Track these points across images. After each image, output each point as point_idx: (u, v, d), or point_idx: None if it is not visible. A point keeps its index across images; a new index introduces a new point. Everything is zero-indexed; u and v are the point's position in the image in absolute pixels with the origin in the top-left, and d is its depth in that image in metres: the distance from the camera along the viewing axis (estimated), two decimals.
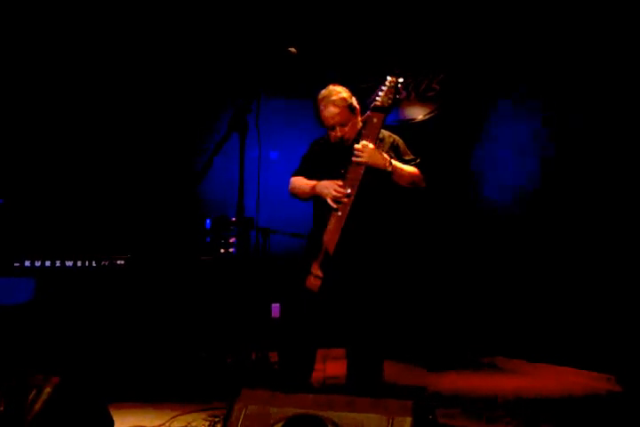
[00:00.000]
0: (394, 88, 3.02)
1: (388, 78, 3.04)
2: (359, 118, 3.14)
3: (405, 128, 5.17)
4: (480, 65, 5.02)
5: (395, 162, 2.99)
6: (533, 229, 4.65)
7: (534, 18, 4.64)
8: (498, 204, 4.93)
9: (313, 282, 2.96)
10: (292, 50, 2.90)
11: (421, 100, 5.21)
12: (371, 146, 2.93)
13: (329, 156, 3.17)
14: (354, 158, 2.93)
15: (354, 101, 3.11)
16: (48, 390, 2.30)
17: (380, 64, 5.06)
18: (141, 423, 3.14)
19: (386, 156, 2.98)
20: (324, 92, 3.11)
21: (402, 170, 3.02)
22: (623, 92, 4.10)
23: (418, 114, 5.22)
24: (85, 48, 4.52)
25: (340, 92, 3.08)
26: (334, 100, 3.05)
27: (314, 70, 4.58)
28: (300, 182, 3.20)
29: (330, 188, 2.96)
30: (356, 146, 2.93)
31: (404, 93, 5.10)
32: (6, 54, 4.31)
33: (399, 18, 5.15)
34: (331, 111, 3.05)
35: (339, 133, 3.08)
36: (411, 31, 5.15)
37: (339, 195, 2.92)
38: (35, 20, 4.39)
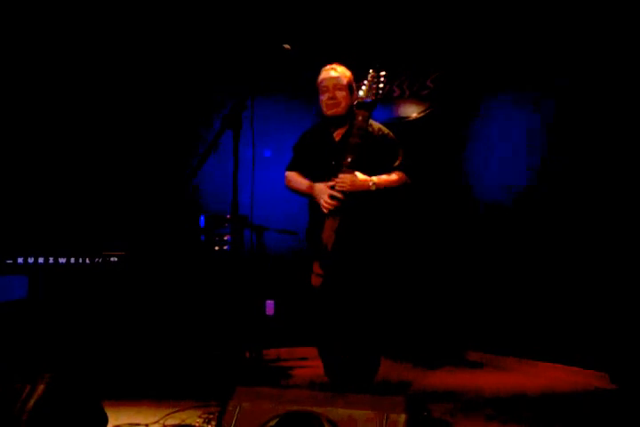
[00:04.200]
0: (376, 82, 3.12)
1: (370, 72, 3.15)
2: (352, 99, 3.24)
3: (399, 126, 5.18)
4: (474, 63, 5.02)
5: (378, 181, 3.12)
6: (525, 225, 4.66)
7: (530, 16, 4.65)
8: (491, 201, 4.94)
9: (315, 280, 3.10)
10: (287, 46, 2.92)
11: (415, 99, 5.21)
12: (349, 175, 3.05)
13: (319, 147, 3.30)
14: (337, 187, 3.06)
15: (353, 84, 3.27)
16: (42, 386, 2.29)
17: (375, 62, 5.07)
18: (135, 420, 3.13)
19: (366, 178, 3.10)
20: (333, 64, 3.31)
21: (385, 185, 3.16)
22: (623, 91, 4.11)
23: (412, 112, 5.22)
24: (81, 45, 4.50)
25: (346, 70, 3.29)
26: (342, 70, 3.26)
27: (308, 68, 4.58)
28: (296, 179, 3.33)
29: (323, 194, 3.09)
30: (336, 179, 3.07)
31: (387, 87, 5.13)
32: None
33: (394, 16, 5.15)
34: (333, 74, 3.24)
35: (330, 94, 3.20)
36: (405, 29, 5.15)
37: (329, 206, 3.06)
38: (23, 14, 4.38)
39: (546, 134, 4.58)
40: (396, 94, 5.22)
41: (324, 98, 3.23)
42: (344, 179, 3.05)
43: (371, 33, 5.18)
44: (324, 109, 3.25)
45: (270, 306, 5.00)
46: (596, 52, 4.23)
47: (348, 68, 3.33)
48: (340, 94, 3.19)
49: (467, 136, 5.16)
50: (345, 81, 3.22)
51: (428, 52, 5.14)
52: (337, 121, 3.25)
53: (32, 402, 2.25)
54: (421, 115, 5.19)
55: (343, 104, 3.20)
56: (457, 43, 5.05)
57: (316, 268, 3.09)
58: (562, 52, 4.45)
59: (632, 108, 4.03)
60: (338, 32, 5.13)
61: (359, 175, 3.08)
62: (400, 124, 5.19)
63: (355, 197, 3.07)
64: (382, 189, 3.13)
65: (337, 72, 3.23)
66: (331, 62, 3.33)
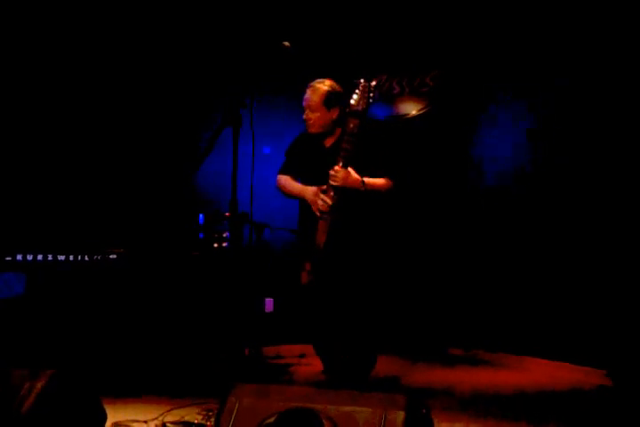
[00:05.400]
0: (366, 91, 3.16)
1: (361, 81, 3.18)
2: (333, 113, 3.27)
3: (398, 123, 5.19)
4: (474, 61, 5.01)
5: (367, 181, 3.19)
6: (524, 221, 4.66)
7: (530, 15, 4.64)
8: (489, 199, 4.94)
9: (307, 279, 3.19)
10: (286, 44, 2.93)
11: (415, 96, 5.21)
12: (343, 170, 3.12)
13: (310, 153, 3.38)
14: (330, 182, 3.13)
15: (333, 96, 3.26)
16: (41, 383, 2.29)
17: (375, 60, 5.07)
18: (134, 417, 3.14)
19: (358, 177, 3.16)
20: (316, 80, 3.33)
21: (375, 186, 3.23)
22: (620, 89, 4.11)
23: (411, 109, 5.22)
24: (82, 45, 4.49)
25: (325, 84, 3.29)
26: (316, 88, 3.27)
27: (308, 67, 4.58)
28: (288, 182, 3.42)
29: (315, 197, 3.18)
30: (331, 171, 3.13)
31: (387, 84, 5.19)
32: None
33: (394, 13, 5.14)
34: (307, 94, 3.29)
35: (304, 116, 3.29)
36: (405, 27, 5.14)
37: (322, 208, 3.15)
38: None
39: (545, 133, 4.57)
40: (395, 91, 5.22)
41: (303, 116, 3.32)
42: (338, 172, 3.11)
43: (371, 31, 5.17)
44: (305, 126, 3.34)
45: (270, 303, 5.01)
46: (595, 52, 4.24)
47: (348, 65, 3.34)
48: (314, 115, 3.25)
49: (466, 134, 5.16)
50: (318, 100, 3.24)
51: (428, 49, 5.13)
52: (320, 136, 3.32)
53: (31, 399, 2.25)
54: (421, 112, 5.18)
55: (317, 124, 3.27)
56: (457, 41, 5.04)
57: (308, 267, 3.18)
58: (561, 51, 4.45)
59: (626, 104, 4.05)
60: (338, 29, 5.12)
61: (352, 173, 3.15)
62: (400, 121, 5.20)
63: (346, 198, 3.14)
64: (371, 191, 3.21)
65: (311, 92, 3.28)
66: (331, 59, 3.34)
